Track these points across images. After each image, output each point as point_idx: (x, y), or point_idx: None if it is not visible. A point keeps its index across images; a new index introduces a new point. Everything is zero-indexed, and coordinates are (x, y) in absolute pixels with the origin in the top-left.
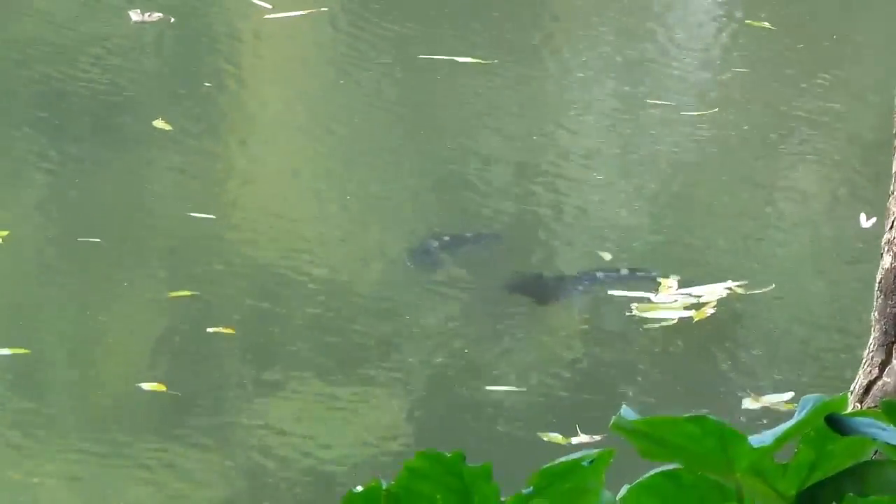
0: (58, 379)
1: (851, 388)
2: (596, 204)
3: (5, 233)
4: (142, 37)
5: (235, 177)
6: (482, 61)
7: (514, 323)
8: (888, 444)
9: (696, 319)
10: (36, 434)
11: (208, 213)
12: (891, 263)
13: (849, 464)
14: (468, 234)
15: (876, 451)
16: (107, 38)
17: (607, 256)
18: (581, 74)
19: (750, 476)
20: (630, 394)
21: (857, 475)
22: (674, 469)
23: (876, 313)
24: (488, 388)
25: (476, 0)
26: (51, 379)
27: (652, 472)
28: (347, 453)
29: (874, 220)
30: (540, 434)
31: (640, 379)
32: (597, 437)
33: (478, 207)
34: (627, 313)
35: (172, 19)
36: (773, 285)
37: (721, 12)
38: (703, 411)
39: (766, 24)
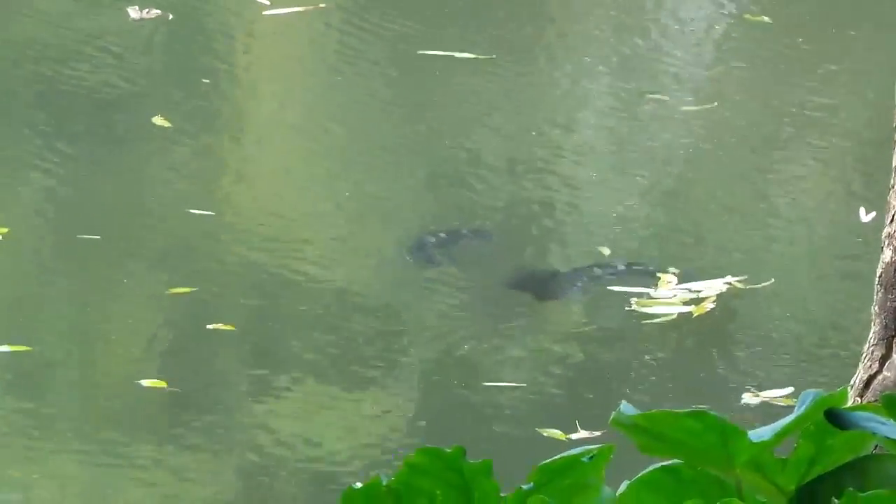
0: (58, 376)
1: (851, 383)
2: (594, 199)
3: (5, 230)
4: (140, 34)
5: (234, 173)
6: (480, 57)
7: (512, 318)
8: (888, 438)
9: (695, 314)
10: (36, 431)
11: (207, 210)
12: (891, 257)
13: (848, 458)
14: (467, 231)
15: (876, 446)
16: (105, 35)
17: (606, 252)
18: (579, 70)
19: (750, 471)
20: (629, 389)
21: (857, 470)
22: (673, 464)
23: (876, 307)
24: (488, 384)
25: None
26: (51, 376)
27: (652, 468)
28: (347, 450)
29: (874, 214)
30: (539, 430)
31: (639, 374)
32: (596, 433)
33: (476, 203)
34: (627, 308)
35: (171, 16)
36: (773, 280)
37: (719, 7)
38: (703, 406)
39: (765, 19)
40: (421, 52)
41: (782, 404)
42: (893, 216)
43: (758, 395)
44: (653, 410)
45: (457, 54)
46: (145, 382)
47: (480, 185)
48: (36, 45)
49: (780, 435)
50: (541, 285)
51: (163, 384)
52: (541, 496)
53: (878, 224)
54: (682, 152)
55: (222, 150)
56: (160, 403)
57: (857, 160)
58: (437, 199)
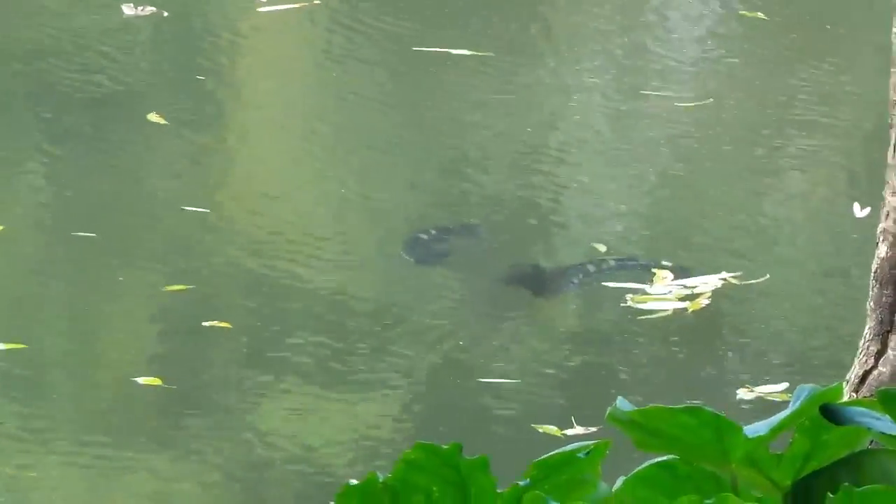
0: (54, 373)
1: (847, 378)
2: (590, 195)
3: (0, 228)
4: (134, 31)
5: (229, 171)
6: (476, 54)
7: (508, 315)
8: (883, 433)
9: (690, 310)
10: (32, 428)
11: (203, 208)
12: (886, 253)
13: (844, 454)
14: (461, 227)
15: (872, 441)
16: (99, 32)
17: (601, 248)
18: (575, 66)
19: (745, 466)
20: (625, 385)
21: (853, 465)
22: (669, 460)
23: (871, 303)
24: (483, 380)
25: None
26: (47, 373)
27: (647, 464)
28: (343, 447)
29: (868, 210)
30: (535, 426)
31: (634, 370)
32: (592, 429)
33: (471, 200)
34: (622, 304)
35: (165, 13)
36: (768, 276)
37: (715, 3)
38: (698, 402)
39: (760, 15)
40: (416, 48)
41: (777, 400)
42: (888, 212)
43: (753, 391)
44: (648, 406)
45: (452, 51)
46: (141, 380)
47: (476, 181)
48: (30, 43)
49: (776, 430)
50: (536, 282)
51: (158, 382)
52: (537, 492)
53: (872, 220)
54: (677, 148)
55: (217, 147)
56: (156, 401)
57: (852, 156)
58: (432, 196)
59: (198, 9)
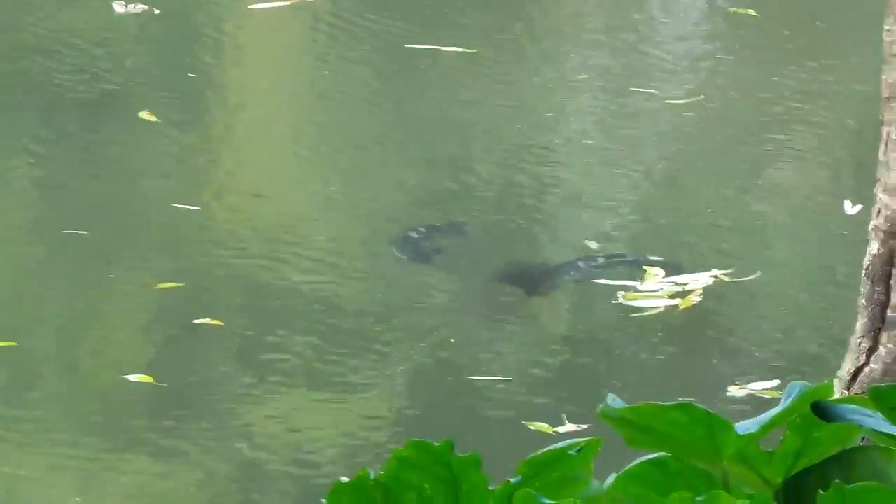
0: (45, 371)
1: (839, 375)
2: (581, 193)
3: None
4: (126, 28)
5: (220, 168)
6: (467, 51)
7: (499, 312)
8: (875, 430)
9: (681, 307)
10: (23, 426)
11: (194, 205)
12: (878, 250)
13: (835, 451)
14: (453, 225)
15: (863, 438)
16: (90, 29)
17: (593, 245)
18: (566, 63)
19: (736, 463)
20: (616, 382)
21: (844, 462)
22: (660, 457)
23: (863, 300)
24: (474, 377)
25: None
26: (38, 371)
27: (639, 461)
28: (334, 444)
29: (860, 207)
30: (526, 423)
31: (626, 367)
32: (584, 426)
33: (463, 198)
34: (613, 302)
35: (156, 11)
36: (759, 273)
37: (705, 0)
38: (689, 399)
39: (751, 12)
40: (407, 45)
41: (768, 397)
42: (880, 209)
43: (744, 388)
44: (639, 403)
45: (444, 48)
46: (132, 378)
47: (467, 179)
48: (21, 40)
49: (767, 427)
50: (527, 279)
51: (150, 379)
52: (528, 490)
53: (863, 216)
54: (668, 146)
55: (208, 145)
56: (147, 398)
57: (843, 153)
58: (423, 194)
59: (189, 6)
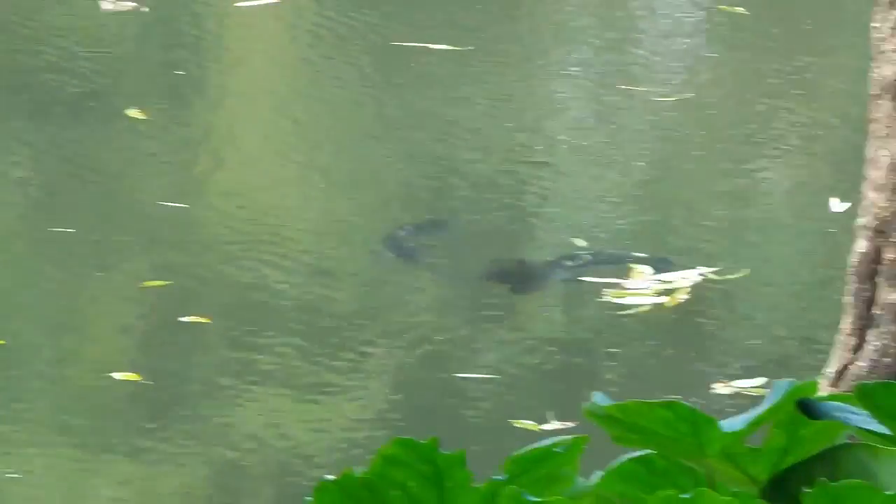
0: (32, 368)
1: (825, 373)
2: (569, 190)
3: None
4: (113, 25)
5: (208, 166)
6: (455, 49)
7: (486, 310)
8: (860, 428)
9: (668, 305)
10: (8, 424)
11: (181, 203)
12: (865, 248)
13: (821, 448)
14: (440, 223)
15: (850, 436)
16: (78, 27)
17: (580, 243)
18: (555, 61)
19: (722, 461)
20: (602, 380)
21: (829, 460)
22: (646, 454)
23: (850, 298)
24: (460, 375)
25: None
26: (25, 369)
27: (624, 458)
28: (320, 442)
29: (847, 205)
30: (512, 421)
31: (612, 365)
32: (570, 424)
33: (450, 195)
34: (600, 300)
35: (143, 8)
36: (746, 270)
37: None
38: (675, 397)
39: (740, 9)
40: (395, 43)
41: (754, 394)
42: (867, 207)
43: (730, 385)
44: (625, 401)
45: (431, 46)
46: (118, 375)
47: (454, 177)
48: (7, 37)
49: (753, 425)
50: (514, 277)
51: (136, 377)
52: (514, 487)
53: (850, 215)
54: (656, 143)
55: (196, 142)
56: (133, 396)
57: (831, 151)
58: (411, 192)
59: (176, 4)
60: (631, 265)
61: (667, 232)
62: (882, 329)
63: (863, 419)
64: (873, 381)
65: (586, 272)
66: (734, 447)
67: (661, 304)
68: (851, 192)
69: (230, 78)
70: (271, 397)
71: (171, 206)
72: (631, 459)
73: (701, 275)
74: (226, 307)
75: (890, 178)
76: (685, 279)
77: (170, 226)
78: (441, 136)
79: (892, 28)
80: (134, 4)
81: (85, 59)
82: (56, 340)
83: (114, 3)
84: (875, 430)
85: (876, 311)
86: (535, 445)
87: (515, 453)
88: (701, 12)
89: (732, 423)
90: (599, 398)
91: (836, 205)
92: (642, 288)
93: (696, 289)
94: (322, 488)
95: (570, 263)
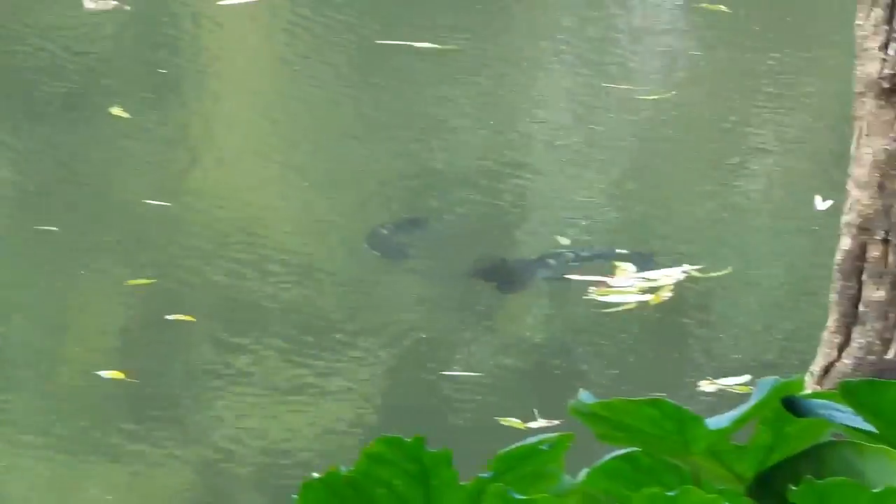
0: (17, 367)
1: (810, 370)
2: (553, 188)
3: None
4: (96, 24)
5: (191, 164)
6: (439, 47)
7: (470, 308)
8: (846, 425)
9: (652, 303)
10: None
11: (165, 201)
12: (850, 245)
13: (806, 446)
14: (424, 221)
15: (837, 433)
16: (61, 26)
17: (564, 241)
18: (538, 59)
19: (707, 458)
20: (587, 378)
21: (815, 457)
22: (632, 452)
23: (834, 295)
24: (446, 372)
25: None
26: (10, 367)
27: (610, 456)
28: (306, 440)
29: (830, 202)
30: (498, 419)
31: (597, 362)
32: (555, 422)
33: (435, 194)
34: (585, 297)
35: (126, 7)
36: (730, 268)
37: None
38: (660, 394)
39: (722, 8)
40: (379, 41)
41: (739, 392)
42: (852, 204)
43: (715, 383)
44: (611, 399)
45: (415, 44)
46: (104, 374)
47: (439, 175)
48: None
49: (738, 422)
50: (498, 274)
51: (122, 375)
52: (500, 485)
53: (834, 212)
54: (638, 141)
55: (179, 140)
56: (119, 395)
57: (814, 148)
58: (395, 190)
59: (159, 2)
60: (615, 263)
61: (650, 230)
62: (867, 327)
63: (848, 417)
64: (858, 378)
65: (571, 270)
66: (720, 445)
67: (645, 302)
68: (835, 189)
69: (213, 76)
70: (256, 395)
71: (156, 205)
72: (616, 457)
73: (685, 272)
74: (211, 305)
75: (874, 176)
76: (669, 277)
77: (155, 224)
78: (424, 135)
79: (875, 25)
80: (116, 3)
81: (68, 57)
82: (41, 339)
83: (96, 2)
84: (860, 427)
85: (861, 308)
86: (521, 443)
87: (501, 451)
88: (682, 10)
89: (718, 421)
90: (585, 396)
91: (820, 202)
92: (626, 286)
93: (680, 286)
94: (308, 487)
95: (554, 261)
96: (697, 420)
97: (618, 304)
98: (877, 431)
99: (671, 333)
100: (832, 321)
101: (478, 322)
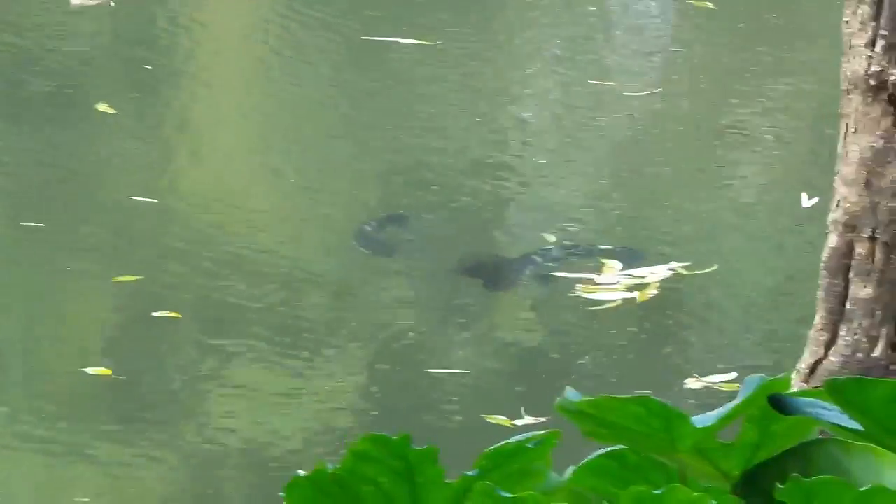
0: (2, 363)
1: (797, 368)
2: (539, 186)
3: None
4: (82, 20)
5: (177, 161)
6: (425, 43)
7: (457, 305)
8: (832, 423)
9: (639, 300)
10: None
11: (151, 197)
12: (837, 243)
13: (793, 444)
14: (411, 218)
15: (822, 431)
16: (47, 22)
17: (551, 238)
18: (524, 56)
19: (694, 456)
20: (574, 375)
21: (802, 455)
22: (618, 450)
23: (821, 293)
24: (432, 370)
25: None
26: None
27: (597, 454)
28: (292, 437)
29: (816, 199)
30: (484, 416)
31: (584, 360)
32: (542, 419)
33: (421, 191)
34: (571, 295)
35: (112, 3)
36: (716, 266)
37: None
38: (647, 392)
39: (708, 5)
40: (365, 37)
41: (725, 389)
42: (839, 202)
43: (701, 381)
44: (597, 396)
45: (401, 40)
46: (90, 370)
47: (426, 172)
48: None
49: (725, 420)
50: (485, 272)
51: (108, 372)
52: (486, 482)
53: (820, 209)
54: (626, 138)
55: (166, 136)
56: (105, 391)
57: (800, 146)
58: (383, 187)
59: None
60: (602, 260)
61: (636, 227)
62: (854, 324)
63: (834, 415)
64: (845, 376)
65: (557, 267)
66: (706, 442)
67: (631, 300)
68: (822, 187)
69: (199, 72)
70: (243, 392)
71: (142, 201)
72: (603, 455)
73: (671, 270)
74: (197, 301)
75: (860, 173)
76: (655, 274)
77: (141, 220)
78: (410, 131)
79: (862, 22)
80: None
81: (54, 53)
82: (27, 335)
83: None
84: (846, 425)
85: (848, 306)
86: (508, 441)
87: (488, 449)
88: (670, 7)
89: (704, 419)
90: (571, 394)
91: (806, 200)
92: (613, 283)
93: (666, 284)
94: (294, 484)
95: (541, 258)
96: (684, 418)
97: (604, 302)
98: (863, 429)
99: (658, 331)
100: (819, 319)
101: (464, 319)
